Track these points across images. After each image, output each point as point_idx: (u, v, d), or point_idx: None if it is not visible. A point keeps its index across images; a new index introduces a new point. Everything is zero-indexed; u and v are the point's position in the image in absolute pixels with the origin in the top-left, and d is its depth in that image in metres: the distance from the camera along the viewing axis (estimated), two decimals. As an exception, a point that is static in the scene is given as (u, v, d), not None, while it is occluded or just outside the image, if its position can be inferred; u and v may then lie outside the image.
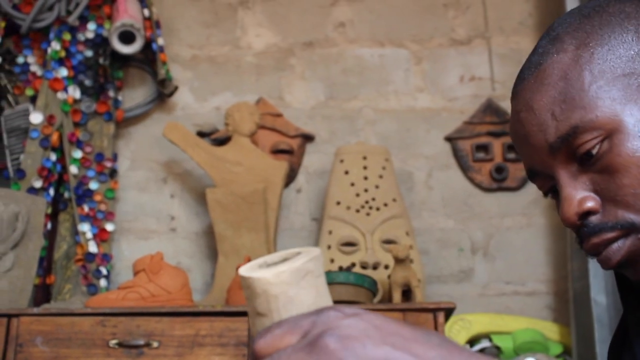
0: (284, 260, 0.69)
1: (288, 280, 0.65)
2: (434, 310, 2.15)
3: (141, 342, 2.12)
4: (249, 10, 3.00)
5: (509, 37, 2.96)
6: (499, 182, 2.78)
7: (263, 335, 0.60)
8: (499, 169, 2.77)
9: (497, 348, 2.51)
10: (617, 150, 0.79)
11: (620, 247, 0.80)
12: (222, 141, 2.74)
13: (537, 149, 0.84)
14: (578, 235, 0.85)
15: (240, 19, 2.99)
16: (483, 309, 2.66)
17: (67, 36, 2.71)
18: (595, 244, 0.81)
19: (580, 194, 0.82)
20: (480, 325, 2.53)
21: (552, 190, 0.88)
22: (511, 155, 2.78)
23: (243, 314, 2.19)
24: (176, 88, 2.85)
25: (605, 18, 0.83)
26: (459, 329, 2.51)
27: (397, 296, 2.29)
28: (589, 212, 0.82)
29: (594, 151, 0.80)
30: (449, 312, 2.20)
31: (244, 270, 0.67)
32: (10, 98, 2.72)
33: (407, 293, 2.33)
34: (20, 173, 2.57)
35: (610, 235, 0.80)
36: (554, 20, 0.87)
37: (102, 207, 2.67)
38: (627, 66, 0.81)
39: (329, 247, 2.49)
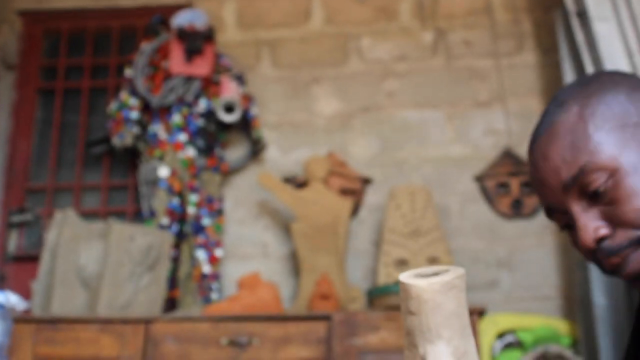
0: (435, 273, 0.73)
1: (438, 290, 0.69)
2: (470, 312, 2.28)
3: (245, 340, 2.36)
4: (319, 85, 3.26)
5: (520, 99, 3.11)
6: (516, 212, 2.93)
7: None
8: (517, 202, 2.93)
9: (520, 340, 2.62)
10: (620, 185, 0.84)
11: (637, 257, 0.85)
12: (301, 185, 2.97)
13: (553, 189, 0.89)
14: (594, 259, 0.89)
15: (313, 92, 3.25)
16: (508, 311, 2.80)
17: (185, 110, 3.03)
18: (615, 262, 0.86)
19: (593, 223, 0.87)
20: (506, 323, 2.67)
21: (567, 226, 0.92)
22: (526, 190, 2.92)
23: (322, 318, 2.40)
24: (265, 146, 3.15)
25: (600, 85, 0.90)
26: (489, 326, 2.65)
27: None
28: (603, 238, 0.86)
29: (601, 188, 0.85)
30: (481, 313, 2.45)
31: (404, 278, 0.71)
32: (144, 158, 3.03)
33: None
34: (152, 214, 2.89)
35: (627, 251, 0.85)
36: (558, 91, 0.94)
37: (213, 238, 2.92)
38: (621, 120, 0.87)
39: (386, 264, 2.69)
